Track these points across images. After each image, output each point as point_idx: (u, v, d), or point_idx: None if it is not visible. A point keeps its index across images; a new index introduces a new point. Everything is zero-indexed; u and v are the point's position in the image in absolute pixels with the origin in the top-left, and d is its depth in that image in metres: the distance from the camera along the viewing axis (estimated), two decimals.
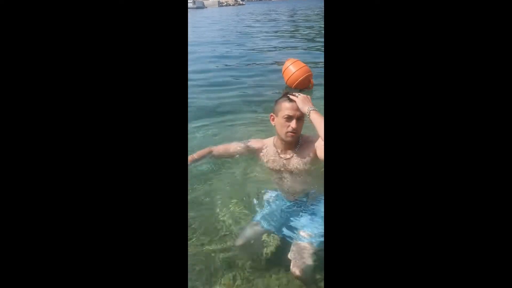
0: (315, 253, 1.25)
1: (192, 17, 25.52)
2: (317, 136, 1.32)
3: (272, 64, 5.73)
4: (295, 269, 1.21)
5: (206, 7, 53.30)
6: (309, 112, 1.27)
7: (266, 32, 11.77)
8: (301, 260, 1.22)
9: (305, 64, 3.61)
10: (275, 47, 7.90)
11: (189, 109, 2.44)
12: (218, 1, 65.25)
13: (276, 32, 11.64)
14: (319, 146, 1.32)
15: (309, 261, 1.23)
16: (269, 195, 1.55)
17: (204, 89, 4.03)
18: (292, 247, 1.29)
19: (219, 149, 1.60)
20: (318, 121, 1.23)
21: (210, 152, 1.56)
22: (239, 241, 1.40)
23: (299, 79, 3.48)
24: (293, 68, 3.49)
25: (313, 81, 3.63)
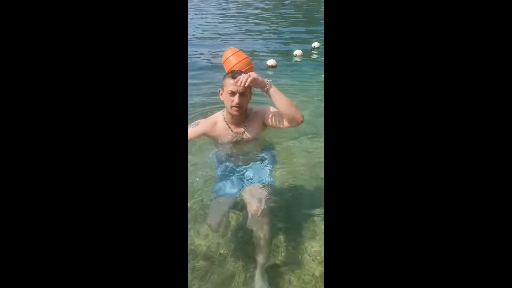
0: (265, 188, 1.39)
1: None
2: (265, 107, 1.55)
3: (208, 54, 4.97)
4: (254, 211, 1.30)
5: None
6: (269, 86, 1.41)
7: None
8: (256, 198, 1.34)
9: (246, 56, 3.50)
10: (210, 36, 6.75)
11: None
12: None
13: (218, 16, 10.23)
14: (267, 113, 1.50)
15: (263, 196, 1.34)
16: (221, 168, 1.60)
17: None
18: (245, 191, 1.41)
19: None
20: (277, 95, 1.41)
21: None
22: (212, 221, 1.36)
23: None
24: (233, 60, 3.32)
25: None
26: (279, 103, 1.42)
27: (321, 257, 1.30)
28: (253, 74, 1.37)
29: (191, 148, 1.68)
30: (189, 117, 2.21)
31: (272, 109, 1.54)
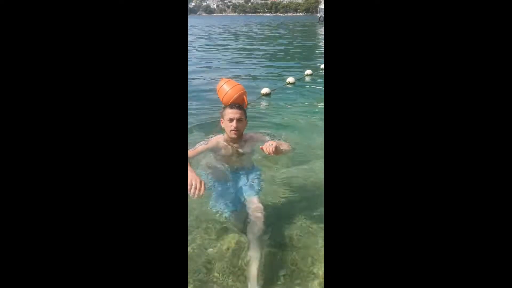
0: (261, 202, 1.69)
1: None
2: (260, 135, 1.97)
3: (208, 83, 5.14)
4: (258, 216, 1.57)
5: None
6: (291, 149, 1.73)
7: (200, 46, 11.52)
8: (256, 205, 1.65)
9: (238, 83, 3.70)
10: (207, 66, 7.14)
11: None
12: None
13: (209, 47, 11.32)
14: (263, 142, 1.71)
15: (260, 205, 1.65)
16: (214, 183, 1.86)
17: None
18: (247, 204, 1.68)
19: (192, 154, 1.82)
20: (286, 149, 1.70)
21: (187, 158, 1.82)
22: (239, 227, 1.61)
23: (233, 97, 3.57)
24: (226, 87, 3.58)
25: (247, 98, 3.77)
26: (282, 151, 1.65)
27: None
28: (274, 143, 1.54)
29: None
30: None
31: (265, 138, 1.92)
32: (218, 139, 1.91)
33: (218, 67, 6.77)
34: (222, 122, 1.85)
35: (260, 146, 1.55)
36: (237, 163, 1.92)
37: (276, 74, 5.93)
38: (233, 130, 1.77)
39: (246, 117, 1.83)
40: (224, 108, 1.86)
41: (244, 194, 1.77)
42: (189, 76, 5.12)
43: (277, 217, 1.72)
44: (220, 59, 7.93)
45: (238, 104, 1.87)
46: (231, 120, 1.77)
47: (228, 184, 1.86)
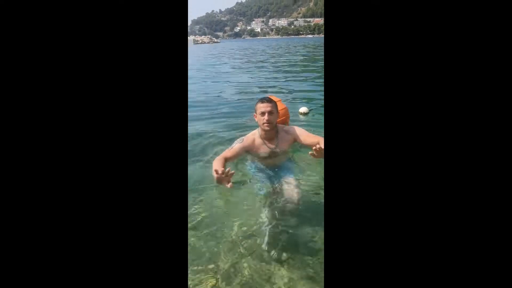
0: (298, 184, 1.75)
1: None
2: (292, 128, 2.03)
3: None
4: (294, 198, 1.62)
5: None
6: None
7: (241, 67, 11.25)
8: (294, 190, 1.69)
9: (285, 106, 3.58)
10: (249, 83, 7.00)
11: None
12: (194, 39, 73.43)
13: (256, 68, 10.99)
14: (301, 135, 1.99)
15: (297, 189, 1.69)
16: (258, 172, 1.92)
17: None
18: (282, 184, 1.74)
19: (231, 154, 1.91)
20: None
21: (226, 159, 1.86)
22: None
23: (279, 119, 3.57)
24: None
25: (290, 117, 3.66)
26: None
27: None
28: (321, 146, 1.60)
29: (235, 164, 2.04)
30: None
31: (302, 130, 1.99)
32: (253, 136, 2.01)
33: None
34: (255, 116, 1.96)
35: (310, 153, 1.63)
36: (274, 161, 1.99)
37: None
38: (265, 123, 1.87)
39: (277, 110, 1.93)
40: (256, 103, 1.96)
41: (281, 173, 1.86)
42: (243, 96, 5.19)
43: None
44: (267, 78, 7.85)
45: (269, 97, 1.95)
46: (263, 113, 1.87)
47: (266, 170, 1.94)
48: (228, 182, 1.55)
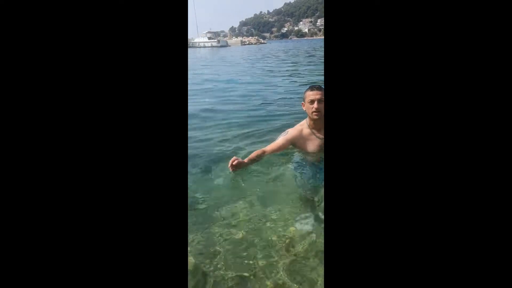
0: None
1: (215, 54, 27.08)
2: None
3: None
4: None
5: (229, 46, 57.33)
6: None
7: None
8: None
9: None
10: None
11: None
12: (241, 40, 73.46)
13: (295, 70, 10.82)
14: None
15: None
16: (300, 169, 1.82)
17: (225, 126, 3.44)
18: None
19: (272, 148, 1.86)
20: None
21: (263, 153, 1.82)
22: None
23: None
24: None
25: None
26: None
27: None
28: None
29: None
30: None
31: None
32: (301, 126, 1.91)
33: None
34: (304, 105, 1.88)
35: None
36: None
37: None
38: (314, 112, 1.77)
39: None
40: (305, 91, 1.86)
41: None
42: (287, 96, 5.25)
43: None
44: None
45: (319, 85, 1.84)
46: (312, 101, 1.78)
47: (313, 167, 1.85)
48: (235, 168, 1.69)
